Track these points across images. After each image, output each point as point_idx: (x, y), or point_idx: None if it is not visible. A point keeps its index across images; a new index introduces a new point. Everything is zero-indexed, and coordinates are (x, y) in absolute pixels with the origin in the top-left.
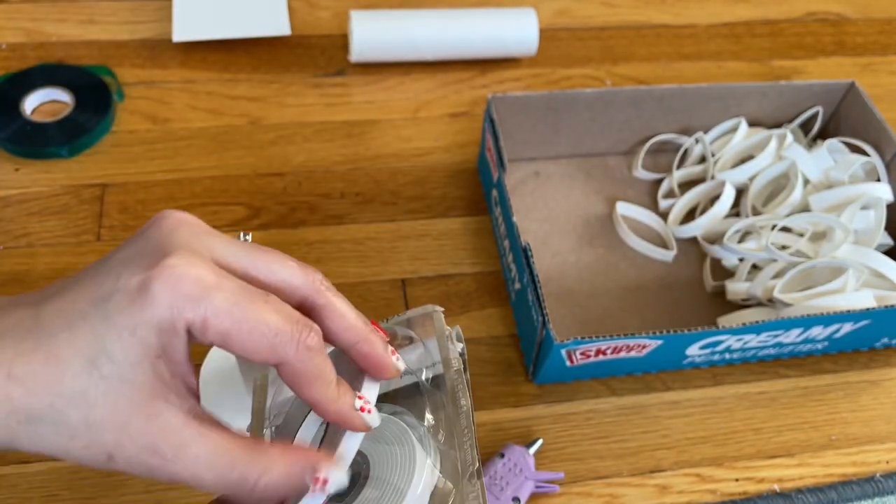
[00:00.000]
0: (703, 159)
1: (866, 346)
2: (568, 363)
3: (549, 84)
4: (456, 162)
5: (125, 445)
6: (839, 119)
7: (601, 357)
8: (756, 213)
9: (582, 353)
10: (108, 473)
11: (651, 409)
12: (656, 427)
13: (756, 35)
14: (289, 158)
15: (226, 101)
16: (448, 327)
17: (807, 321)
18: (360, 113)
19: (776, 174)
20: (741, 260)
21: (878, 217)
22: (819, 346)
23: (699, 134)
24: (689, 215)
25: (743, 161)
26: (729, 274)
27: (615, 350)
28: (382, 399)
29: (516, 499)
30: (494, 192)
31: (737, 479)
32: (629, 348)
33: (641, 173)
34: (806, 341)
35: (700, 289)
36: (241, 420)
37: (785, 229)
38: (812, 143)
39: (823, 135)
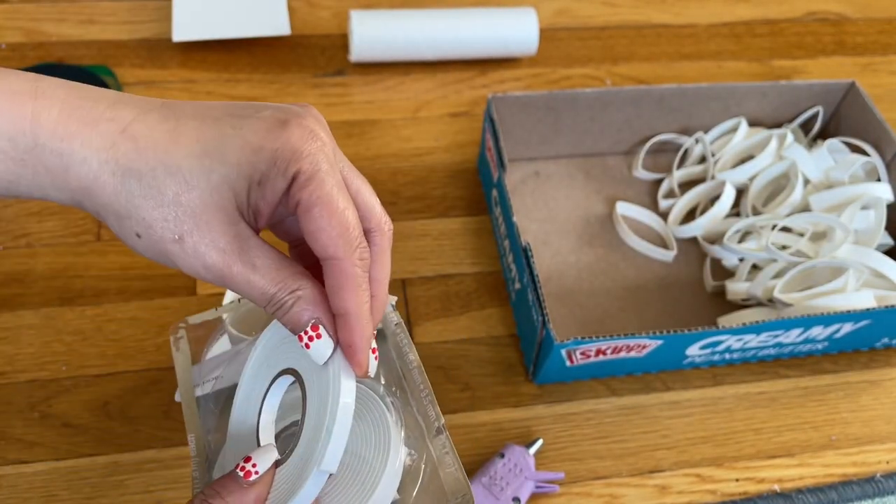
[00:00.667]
0: (703, 159)
1: (866, 346)
2: (568, 363)
3: (549, 84)
4: (456, 162)
5: (198, 234)
6: (839, 119)
7: (601, 357)
8: (756, 213)
9: (582, 353)
10: (108, 474)
11: (651, 409)
12: (656, 427)
13: (756, 35)
14: None
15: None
16: None
17: (807, 321)
18: (360, 113)
19: (776, 174)
20: (741, 260)
21: (879, 217)
22: (819, 346)
23: (699, 134)
24: (690, 215)
25: (743, 161)
26: (729, 274)
27: (615, 350)
28: None
29: (516, 499)
30: (494, 192)
31: (737, 480)
32: (629, 348)
33: (641, 173)
34: (806, 341)
35: (700, 289)
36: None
37: (785, 229)
38: (812, 143)
39: (824, 135)
